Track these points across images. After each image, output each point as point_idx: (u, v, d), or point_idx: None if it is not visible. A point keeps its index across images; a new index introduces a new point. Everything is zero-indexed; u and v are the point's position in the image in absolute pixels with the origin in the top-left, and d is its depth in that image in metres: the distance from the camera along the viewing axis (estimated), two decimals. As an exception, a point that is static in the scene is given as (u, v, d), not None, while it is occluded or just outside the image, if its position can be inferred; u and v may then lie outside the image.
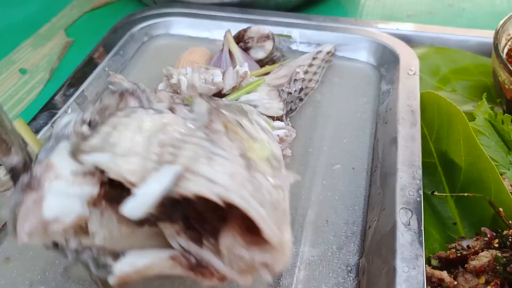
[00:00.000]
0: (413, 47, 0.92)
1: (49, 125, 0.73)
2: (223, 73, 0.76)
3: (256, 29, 0.84)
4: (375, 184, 0.68)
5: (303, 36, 0.94)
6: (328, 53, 0.89)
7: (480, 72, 0.89)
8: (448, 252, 0.58)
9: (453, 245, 0.61)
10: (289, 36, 0.93)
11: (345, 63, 0.91)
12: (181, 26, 0.99)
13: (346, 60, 0.92)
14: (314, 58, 0.85)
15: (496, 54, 0.75)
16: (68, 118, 0.46)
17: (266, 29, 0.84)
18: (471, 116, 0.76)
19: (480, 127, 0.72)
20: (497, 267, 0.52)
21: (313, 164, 0.72)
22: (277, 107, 0.74)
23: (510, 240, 0.53)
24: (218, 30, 0.95)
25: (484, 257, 0.53)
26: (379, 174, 0.69)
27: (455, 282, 0.54)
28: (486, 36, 0.94)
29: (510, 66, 0.72)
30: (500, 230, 0.57)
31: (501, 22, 0.79)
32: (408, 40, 0.94)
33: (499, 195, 0.61)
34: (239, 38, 0.85)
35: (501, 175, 0.69)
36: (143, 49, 0.95)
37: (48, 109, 0.76)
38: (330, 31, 0.93)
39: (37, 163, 0.40)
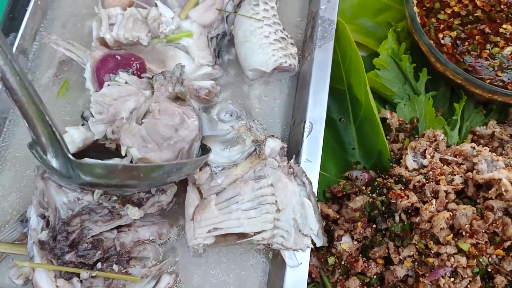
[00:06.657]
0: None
1: None
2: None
3: None
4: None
5: None
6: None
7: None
8: (337, 189, 0.75)
9: (346, 173, 0.79)
10: None
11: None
12: None
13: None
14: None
15: None
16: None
17: None
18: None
19: (383, 61, 0.82)
20: (365, 212, 0.70)
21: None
22: (207, 61, 0.82)
23: (378, 188, 0.70)
24: None
25: (358, 201, 0.71)
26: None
27: (338, 216, 0.73)
28: None
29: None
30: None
31: None
32: None
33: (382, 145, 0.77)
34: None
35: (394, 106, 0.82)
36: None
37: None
38: None
39: None
